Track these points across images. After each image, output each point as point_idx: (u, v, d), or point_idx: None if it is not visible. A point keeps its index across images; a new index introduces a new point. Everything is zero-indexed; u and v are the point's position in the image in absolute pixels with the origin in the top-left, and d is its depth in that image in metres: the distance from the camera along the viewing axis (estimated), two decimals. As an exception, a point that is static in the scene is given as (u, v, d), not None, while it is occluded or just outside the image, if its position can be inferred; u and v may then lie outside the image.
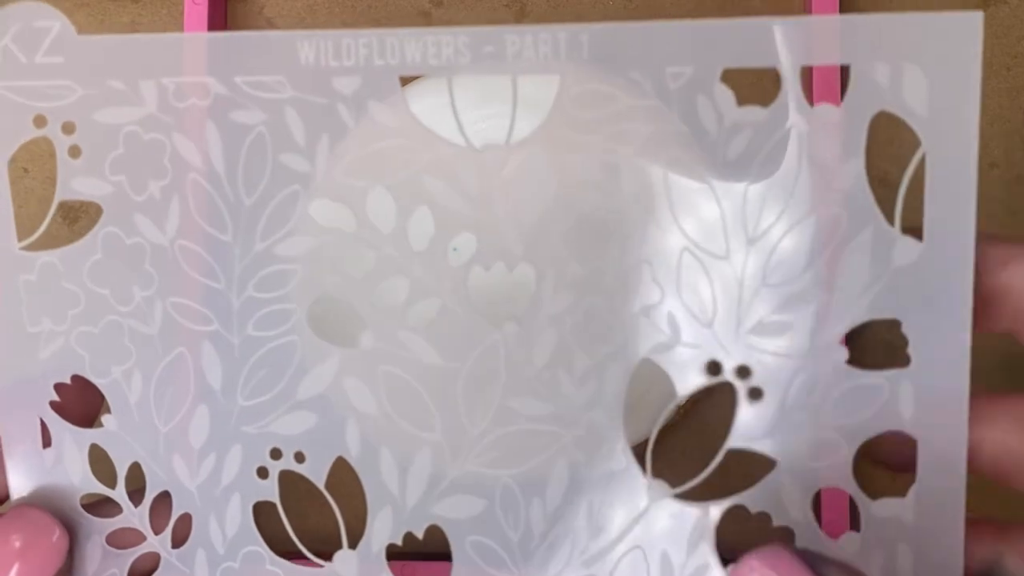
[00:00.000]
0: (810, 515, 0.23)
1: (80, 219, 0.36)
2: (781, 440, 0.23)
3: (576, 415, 0.24)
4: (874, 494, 0.23)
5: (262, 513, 0.26)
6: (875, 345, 0.25)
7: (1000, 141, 0.27)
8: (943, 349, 0.22)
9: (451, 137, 0.24)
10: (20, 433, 0.26)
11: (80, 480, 0.26)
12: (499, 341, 0.24)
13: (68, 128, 0.24)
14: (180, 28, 0.36)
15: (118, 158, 0.25)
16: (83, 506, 0.26)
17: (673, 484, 0.24)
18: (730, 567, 0.22)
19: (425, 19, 0.37)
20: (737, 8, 0.36)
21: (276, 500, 0.26)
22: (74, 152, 0.25)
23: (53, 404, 0.26)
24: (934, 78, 0.21)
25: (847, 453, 0.23)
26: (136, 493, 0.26)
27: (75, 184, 0.25)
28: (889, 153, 0.25)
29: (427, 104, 0.24)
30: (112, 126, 0.24)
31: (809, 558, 0.21)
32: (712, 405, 0.33)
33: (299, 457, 0.25)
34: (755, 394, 0.23)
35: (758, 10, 0.36)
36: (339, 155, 0.24)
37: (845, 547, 0.23)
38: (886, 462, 0.23)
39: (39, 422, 0.26)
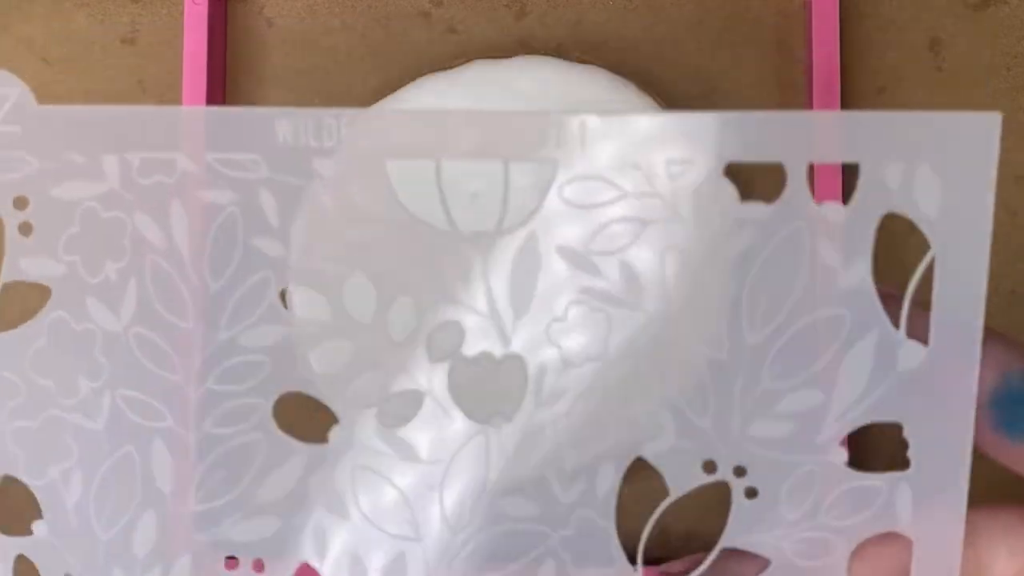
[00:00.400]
0: (804, 617, 0.23)
1: None
2: (775, 538, 0.23)
3: (565, 515, 0.23)
4: (869, 596, 0.23)
5: (214, 628, 0.24)
6: (875, 445, 0.25)
7: (1000, 141, 0.27)
8: (944, 455, 0.22)
9: (437, 222, 0.23)
10: (-67, 542, 0.23)
11: (0, 596, 0.23)
12: (485, 440, 0.23)
13: (20, 203, 0.22)
14: (180, 29, 0.36)
15: (73, 236, 0.22)
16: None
17: (663, 584, 0.23)
18: None
19: (425, 19, 0.37)
20: (737, 8, 0.36)
21: (232, 614, 0.23)
22: (25, 229, 0.22)
23: (-21, 508, 0.23)
24: (947, 180, 0.21)
25: (842, 553, 0.23)
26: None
27: (23, 264, 0.22)
28: (896, 255, 0.25)
29: (413, 187, 0.23)
30: (69, 202, 0.22)
31: None
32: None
33: (257, 567, 0.23)
34: (751, 493, 0.23)
35: (758, 11, 0.36)
36: (315, 239, 0.23)
37: (839, 651, 0.23)
38: None
39: (-42, 529, 0.23)
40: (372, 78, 0.37)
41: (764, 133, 0.21)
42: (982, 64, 0.36)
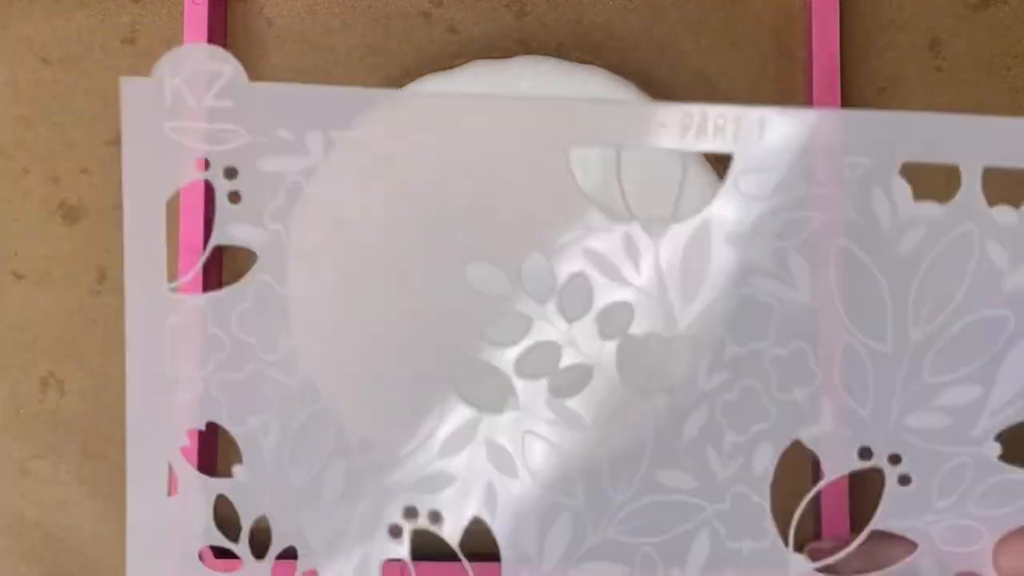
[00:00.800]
0: (948, 599, 0.24)
1: (80, 219, 0.36)
2: (924, 524, 0.24)
3: (721, 489, 0.25)
4: (1013, 583, 0.24)
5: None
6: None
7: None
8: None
9: (614, 206, 0.24)
10: (147, 477, 0.25)
11: (203, 531, 0.26)
12: (649, 413, 0.25)
13: (230, 173, 0.24)
14: (180, 28, 0.36)
15: (278, 208, 0.24)
16: (201, 558, 0.26)
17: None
18: None
19: (425, 19, 0.37)
20: (737, 8, 0.36)
21: (407, 559, 0.26)
22: (234, 198, 0.24)
23: (184, 450, 0.25)
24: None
25: (988, 542, 0.24)
26: (260, 547, 0.26)
27: (232, 230, 0.24)
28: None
29: (592, 174, 0.25)
30: (275, 174, 0.24)
31: None
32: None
33: (434, 517, 0.25)
34: (904, 480, 0.24)
35: (758, 11, 0.36)
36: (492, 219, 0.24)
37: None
38: None
39: (167, 468, 0.25)
40: (372, 78, 0.37)
41: (942, 135, 0.22)
42: (982, 64, 0.36)
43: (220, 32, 0.35)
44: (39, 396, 0.35)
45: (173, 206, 0.25)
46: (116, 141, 0.31)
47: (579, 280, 0.24)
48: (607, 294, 0.24)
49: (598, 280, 0.24)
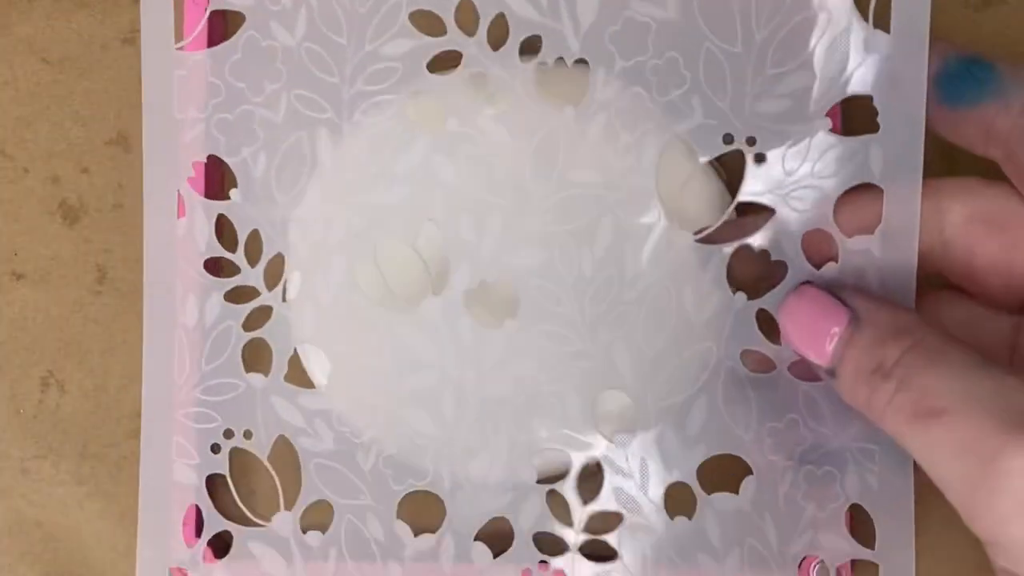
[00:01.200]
0: (800, 251, 0.30)
1: (80, 219, 0.36)
2: (778, 193, 0.30)
3: (618, 181, 0.31)
4: (850, 232, 0.30)
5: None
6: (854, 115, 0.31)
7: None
8: (905, 120, 0.29)
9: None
10: (160, 203, 0.32)
11: (206, 245, 0.32)
12: (556, 119, 0.31)
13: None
14: (181, 29, 0.35)
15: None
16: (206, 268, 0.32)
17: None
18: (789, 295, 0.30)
19: None
20: None
21: (374, 257, 0.32)
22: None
23: (190, 180, 0.32)
24: None
25: (829, 202, 0.30)
26: (253, 256, 0.32)
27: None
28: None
29: None
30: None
31: (832, 289, 0.29)
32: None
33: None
34: (759, 158, 0.30)
35: None
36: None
37: (825, 274, 0.30)
38: None
39: (176, 194, 0.32)
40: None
41: None
42: None
43: (220, 33, 0.34)
44: (39, 396, 0.36)
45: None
46: (116, 141, 0.35)
47: (500, 20, 0.31)
48: (520, 30, 0.31)
49: (515, 18, 0.31)
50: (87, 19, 0.36)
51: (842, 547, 0.31)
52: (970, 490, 0.25)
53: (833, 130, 0.30)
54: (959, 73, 0.29)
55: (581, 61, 0.31)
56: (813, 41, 0.29)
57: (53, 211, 0.36)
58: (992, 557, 0.26)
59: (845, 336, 0.28)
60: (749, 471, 0.31)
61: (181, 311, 0.32)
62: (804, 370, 0.31)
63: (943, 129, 0.30)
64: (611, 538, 0.32)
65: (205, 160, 0.32)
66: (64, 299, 0.36)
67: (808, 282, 0.30)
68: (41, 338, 0.36)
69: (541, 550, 0.32)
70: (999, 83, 0.29)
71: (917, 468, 0.30)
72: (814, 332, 0.29)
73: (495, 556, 0.32)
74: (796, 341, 0.30)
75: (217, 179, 0.32)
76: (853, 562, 0.31)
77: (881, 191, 0.30)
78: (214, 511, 0.32)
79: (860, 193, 0.30)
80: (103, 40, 0.36)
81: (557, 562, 0.32)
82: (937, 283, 0.31)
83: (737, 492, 0.31)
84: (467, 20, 0.31)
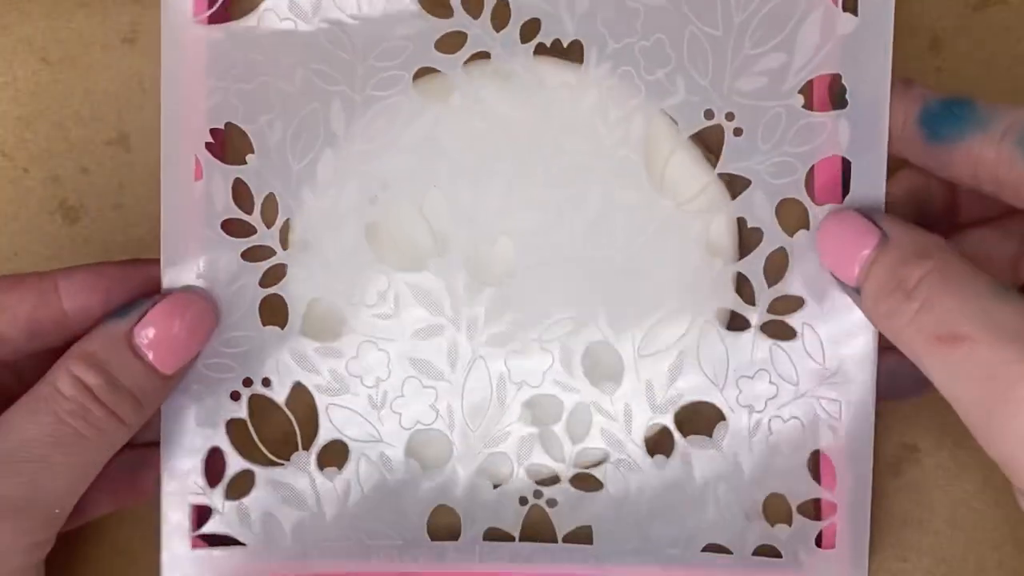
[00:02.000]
0: (774, 218, 0.33)
1: (80, 219, 0.37)
2: (754, 165, 0.33)
3: (608, 152, 0.34)
4: (820, 202, 0.33)
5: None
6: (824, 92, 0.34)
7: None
8: (870, 96, 0.32)
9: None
10: (177, 166, 0.34)
11: (223, 207, 0.34)
12: (552, 95, 0.34)
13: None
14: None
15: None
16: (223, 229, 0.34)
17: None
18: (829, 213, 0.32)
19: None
20: None
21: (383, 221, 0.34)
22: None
23: (208, 145, 0.34)
24: None
25: (802, 172, 0.33)
26: (269, 218, 0.34)
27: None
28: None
29: None
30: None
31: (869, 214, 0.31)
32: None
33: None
34: (737, 132, 0.33)
35: None
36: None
37: (797, 241, 0.33)
38: None
39: (195, 159, 0.34)
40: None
41: None
42: (982, 64, 0.36)
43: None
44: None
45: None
46: (116, 141, 0.36)
47: (503, 4, 0.33)
48: (521, 12, 0.33)
49: (520, 3, 0.33)
50: (87, 19, 0.37)
51: (805, 488, 0.34)
52: (987, 415, 0.27)
53: (805, 106, 0.33)
54: (940, 111, 0.31)
55: (576, 42, 0.33)
56: (788, 24, 0.32)
57: (53, 211, 0.37)
58: (1010, 478, 0.27)
59: (872, 255, 0.30)
60: (723, 417, 0.34)
61: (194, 267, 0.34)
62: (777, 330, 0.34)
63: (935, 168, 0.32)
64: (597, 471, 0.35)
65: (223, 127, 0.34)
66: (64, 299, 0.34)
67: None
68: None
69: (537, 482, 0.35)
70: (978, 115, 0.30)
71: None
72: (846, 253, 0.31)
73: (494, 488, 0.35)
74: (830, 262, 0.32)
75: (232, 146, 0.35)
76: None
77: (848, 163, 0.33)
78: (234, 452, 0.34)
79: (828, 164, 0.33)
80: (103, 40, 0.37)
81: (550, 491, 0.35)
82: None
83: (711, 436, 0.34)
84: (473, 4, 0.33)
